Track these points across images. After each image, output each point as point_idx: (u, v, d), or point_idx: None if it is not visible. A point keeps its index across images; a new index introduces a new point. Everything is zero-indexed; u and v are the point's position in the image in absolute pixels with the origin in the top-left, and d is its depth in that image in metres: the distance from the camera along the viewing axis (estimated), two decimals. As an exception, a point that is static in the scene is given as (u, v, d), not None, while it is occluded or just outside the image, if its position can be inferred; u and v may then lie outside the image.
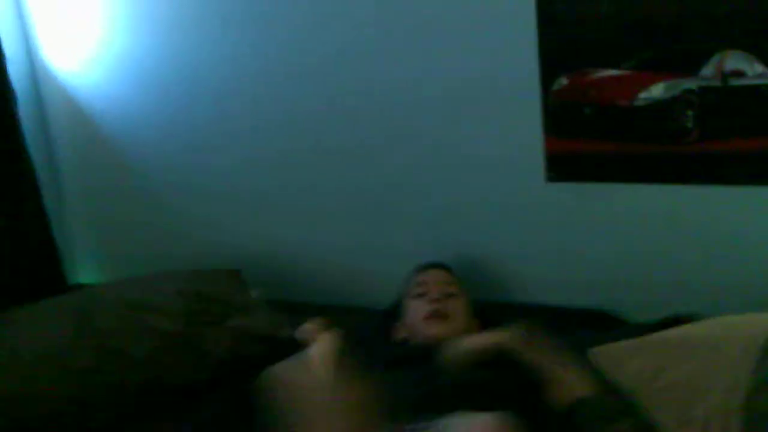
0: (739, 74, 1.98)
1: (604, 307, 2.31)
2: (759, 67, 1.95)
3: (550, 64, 2.18)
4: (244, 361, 2.15)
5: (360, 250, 2.63)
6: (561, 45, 2.15)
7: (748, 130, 2.03)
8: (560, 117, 2.22)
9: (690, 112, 2.07)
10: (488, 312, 2.19)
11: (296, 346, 2.23)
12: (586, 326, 2.24)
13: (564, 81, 2.19)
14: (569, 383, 1.73)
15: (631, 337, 2.12)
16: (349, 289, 2.66)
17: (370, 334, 2.24)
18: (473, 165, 2.38)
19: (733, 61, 1.98)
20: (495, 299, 2.39)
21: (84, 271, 3.09)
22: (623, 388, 1.81)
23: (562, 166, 2.27)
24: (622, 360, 1.87)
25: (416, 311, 2.09)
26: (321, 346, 1.77)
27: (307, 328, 2.02)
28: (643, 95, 2.12)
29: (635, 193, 2.22)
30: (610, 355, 1.90)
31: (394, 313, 2.24)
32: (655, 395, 1.76)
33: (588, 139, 2.21)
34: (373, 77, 2.42)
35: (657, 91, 2.10)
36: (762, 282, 2.10)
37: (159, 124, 2.78)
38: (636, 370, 1.83)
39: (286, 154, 2.62)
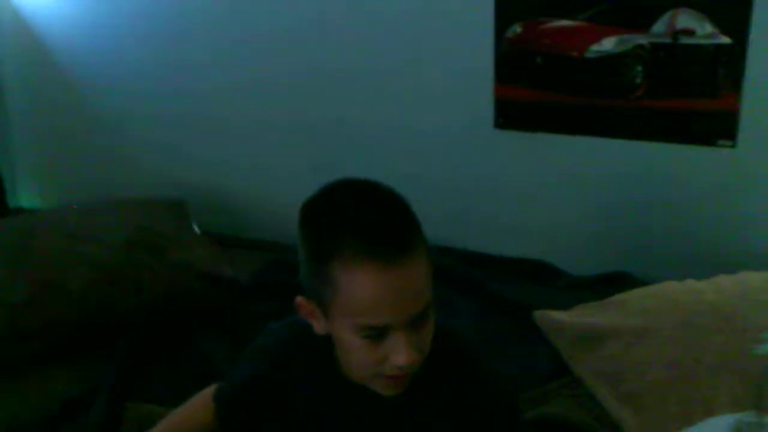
0: (690, 33, 1.97)
1: (542, 257, 2.32)
2: (709, 27, 1.94)
3: (505, 9, 2.15)
4: (181, 297, 2.13)
5: (311, 185, 2.59)
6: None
7: (693, 90, 2.03)
8: (511, 64, 2.20)
9: (639, 68, 2.06)
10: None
11: (237, 288, 2.23)
12: (525, 276, 2.26)
13: (518, 28, 2.16)
14: None
15: (570, 290, 2.14)
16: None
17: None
18: (423, 101, 2.37)
19: (685, 18, 1.96)
20: (434, 242, 2.39)
21: (25, 194, 3.03)
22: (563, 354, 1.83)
23: (511, 113, 2.26)
24: (563, 327, 1.88)
25: (361, 362, 1.16)
26: None
27: None
28: (594, 48, 2.10)
29: (579, 144, 2.22)
30: (552, 319, 1.91)
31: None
32: (592, 366, 1.76)
33: (538, 89, 2.20)
34: (333, 9, 2.38)
35: (609, 44, 2.08)
36: (693, 240, 2.14)
37: (108, 46, 2.70)
38: (574, 338, 1.83)
39: (240, 83, 2.57)
